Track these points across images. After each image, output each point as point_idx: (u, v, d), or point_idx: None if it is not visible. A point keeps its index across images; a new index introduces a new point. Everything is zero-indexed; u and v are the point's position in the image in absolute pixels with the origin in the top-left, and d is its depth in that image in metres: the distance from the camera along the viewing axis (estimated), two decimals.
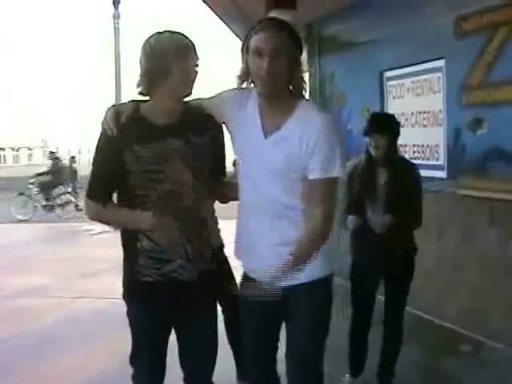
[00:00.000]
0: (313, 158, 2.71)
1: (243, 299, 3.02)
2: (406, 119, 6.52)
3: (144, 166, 2.75)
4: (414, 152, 6.42)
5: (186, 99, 2.89)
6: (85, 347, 5.67)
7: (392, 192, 4.27)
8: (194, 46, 2.81)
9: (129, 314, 3.01)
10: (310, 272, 2.82)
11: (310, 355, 2.94)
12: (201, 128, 2.87)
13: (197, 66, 2.82)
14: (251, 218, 2.86)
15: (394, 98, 6.84)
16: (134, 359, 3.06)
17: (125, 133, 2.75)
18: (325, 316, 2.94)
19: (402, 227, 4.21)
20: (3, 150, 53.34)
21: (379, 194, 4.32)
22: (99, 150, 2.83)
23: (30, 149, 52.62)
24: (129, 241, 2.89)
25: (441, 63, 5.95)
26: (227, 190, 3.07)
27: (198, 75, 2.84)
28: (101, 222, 3.07)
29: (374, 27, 6.81)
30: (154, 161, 2.75)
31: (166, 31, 2.79)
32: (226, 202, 3.13)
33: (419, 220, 4.38)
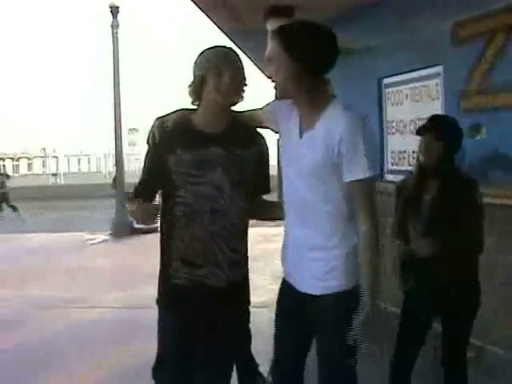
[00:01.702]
0: (341, 159, 2.70)
1: (280, 303, 3.03)
2: (405, 126, 6.50)
3: (184, 169, 2.86)
4: (413, 159, 6.39)
5: (238, 110, 3.00)
6: (85, 359, 5.64)
7: (438, 209, 3.61)
8: (237, 58, 2.92)
9: (158, 322, 3.02)
10: (341, 281, 2.78)
11: (341, 362, 2.84)
12: (245, 140, 2.96)
13: (240, 78, 2.89)
14: (290, 222, 2.88)
15: (392, 104, 6.83)
16: (158, 372, 3.04)
17: (170, 138, 2.88)
18: (350, 329, 2.82)
19: (454, 253, 3.54)
20: (3, 160, 53.37)
21: (423, 210, 3.67)
22: (147, 156, 2.99)
23: (29, 158, 52.65)
24: (165, 245, 2.96)
25: (439, 70, 5.95)
26: (269, 208, 3.14)
27: None
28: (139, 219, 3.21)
29: (371, 34, 6.81)
30: (194, 165, 2.85)
31: (215, 46, 2.93)
32: (266, 220, 3.18)
33: (479, 245, 3.68)
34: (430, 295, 3.66)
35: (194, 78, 2.88)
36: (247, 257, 3.05)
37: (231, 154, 2.89)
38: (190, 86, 2.90)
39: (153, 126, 2.95)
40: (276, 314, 3.05)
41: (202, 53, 2.90)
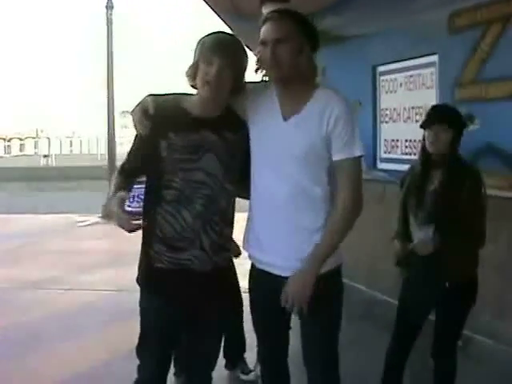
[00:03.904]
0: (335, 138, 2.72)
1: (254, 292, 3.03)
2: (399, 114, 6.50)
3: (176, 154, 2.81)
4: (406, 147, 6.40)
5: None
6: (72, 342, 5.63)
7: (441, 201, 3.57)
8: (229, 50, 2.79)
9: (140, 302, 3.02)
10: (327, 261, 2.80)
11: (328, 344, 2.94)
12: (236, 124, 2.91)
13: (235, 65, 2.80)
14: (268, 206, 2.84)
15: (386, 92, 6.81)
16: (141, 350, 3.05)
17: (162, 122, 2.82)
18: (338, 306, 2.95)
19: (456, 248, 3.51)
20: None
21: (426, 200, 3.64)
22: (136, 136, 2.93)
23: (21, 139, 52.43)
24: (149, 227, 2.91)
25: (434, 58, 5.94)
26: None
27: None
28: None
29: (367, 21, 6.78)
30: (187, 150, 2.81)
31: (217, 32, 2.87)
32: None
33: (480, 239, 3.66)
34: (428, 286, 3.65)
35: (191, 65, 2.83)
36: (232, 241, 3.06)
37: (224, 139, 2.86)
38: (186, 72, 2.85)
39: (144, 103, 2.88)
40: (252, 302, 3.06)
41: (200, 39, 2.85)
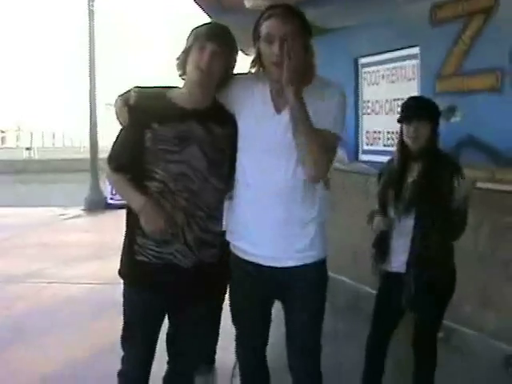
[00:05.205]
0: (327, 114, 2.77)
1: (239, 283, 3.04)
2: (381, 106, 6.50)
3: (161, 144, 2.79)
4: (388, 139, 6.41)
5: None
6: (56, 335, 5.63)
7: (420, 190, 3.55)
8: (222, 39, 2.81)
9: (123, 293, 3.02)
10: (319, 251, 2.91)
11: (311, 336, 2.98)
12: (224, 119, 2.89)
13: (228, 56, 2.83)
14: (260, 198, 2.85)
15: (368, 84, 6.83)
16: (125, 341, 3.05)
17: (143, 112, 2.81)
18: (324, 296, 2.99)
19: (435, 238, 3.53)
20: None
21: (404, 193, 3.62)
22: (121, 129, 2.92)
23: (2, 132, 52.00)
24: (131, 219, 2.91)
25: (416, 51, 5.95)
26: None
27: None
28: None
29: (349, 13, 6.77)
30: (171, 141, 2.79)
31: (209, 22, 2.96)
32: None
33: (455, 232, 3.65)
34: (401, 288, 3.61)
35: (182, 52, 2.84)
36: (222, 237, 3.03)
37: (211, 132, 2.85)
38: (177, 58, 2.86)
39: (126, 95, 2.89)
40: (236, 293, 3.08)
41: (194, 28, 2.85)
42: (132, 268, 2.95)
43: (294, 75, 2.67)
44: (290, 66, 2.65)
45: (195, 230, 2.86)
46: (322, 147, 2.71)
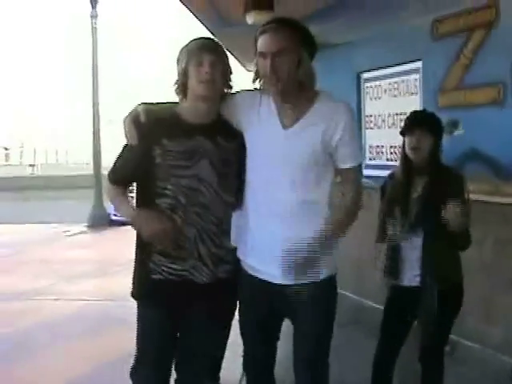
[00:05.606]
0: (343, 146, 2.79)
1: (249, 299, 3.02)
2: (383, 120, 6.53)
3: (171, 160, 2.79)
4: (391, 153, 6.43)
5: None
6: (59, 351, 5.60)
7: (426, 205, 3.51)
8: (219, 47, 2.87)
9: (138, 315, 2.99)
10: (330, 267, 2.90)
11: (319, 349, 2.97)
12: (230, 133, 2.90)
13: (225, 66, 2.86)
14: (262, 215, 2.85)
15: (371, 99, 6.85)
16: (137, 367, 3.00)
17: (153, 128, 2.81)
18: (333, 312, 2.99)
19: (443, 253, 3.51)
20: None
21: (411, 208, 3.58)
22: (126, 145, 2.91)
23: (6, 149, 52.11)
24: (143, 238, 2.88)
25: (418, 65, 5.98)
26: None
27: None
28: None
29: (351, 29, 6.80)
30: (182, 156, 2.79)
31: (194, 39, 2.88)
32: None
33: (460, 244, 3.59)
34: (413, 293, 3.60)
35: (178, 75, 2.84)
36: (234, 253, 3.02)
37: (218, 146, 2.85)
38: (175, 83, 2.87)
39: (135, 112, 2.88)
40: (246, 309, 3.06)
41: (182, 48, 2.86)
42: (147, 288, 2.92)
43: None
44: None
45: (208, 245, 2.86)
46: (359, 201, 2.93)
